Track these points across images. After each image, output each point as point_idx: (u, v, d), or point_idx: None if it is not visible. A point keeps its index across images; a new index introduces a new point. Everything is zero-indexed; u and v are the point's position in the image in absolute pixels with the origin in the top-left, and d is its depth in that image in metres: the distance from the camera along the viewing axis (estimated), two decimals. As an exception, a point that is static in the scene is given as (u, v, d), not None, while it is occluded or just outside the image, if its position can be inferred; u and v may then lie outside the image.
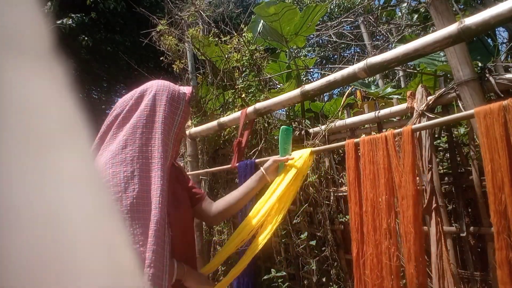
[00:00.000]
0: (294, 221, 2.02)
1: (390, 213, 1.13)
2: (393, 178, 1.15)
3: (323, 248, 1.92)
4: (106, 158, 0.87)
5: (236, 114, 1.95)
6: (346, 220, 1.88)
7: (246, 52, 2.68)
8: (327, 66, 6.39)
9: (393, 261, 1.08)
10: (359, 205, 1.23)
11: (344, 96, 3.02)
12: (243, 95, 2.52)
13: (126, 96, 1.03)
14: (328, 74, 1.50)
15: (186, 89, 1.07)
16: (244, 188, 1.25)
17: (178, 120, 0.99)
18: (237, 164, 1.79)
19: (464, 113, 1.11)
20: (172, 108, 0.98)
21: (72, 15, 7.21)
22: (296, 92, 1.60)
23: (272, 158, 1.31)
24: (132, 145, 0.88)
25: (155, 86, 1.02)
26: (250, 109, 1.83)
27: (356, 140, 1.30)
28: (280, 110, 2.42)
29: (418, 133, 1.40)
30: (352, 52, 7.23)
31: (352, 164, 1.28)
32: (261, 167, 1.30)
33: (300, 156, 1.38)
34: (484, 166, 0.95)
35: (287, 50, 3.22)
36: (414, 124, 1.45)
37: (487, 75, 1.30)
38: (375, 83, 4.22)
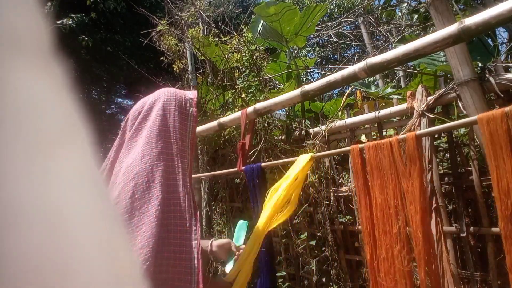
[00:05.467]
0: (294, 221, 2.02)
1: (399, 218, 1.14)
2: (400, 183, 1.15)
3: (323, 248, 1.92)
4: (124, 170, 0.87)
5: (236, 114, 1.95)
6: (346, 220, 1.88)
7: (246, 52, 2.68)
8: (327, 66, 6.39)
9: (405, 265, 1.09)
10: (369, 210, 1.23)
11: (344, 96, 3.02)
12: (243, 95, 2.52)
13: (135, 108, 1.03)
14: (328, 74, 1.50)
15: (192, 94, 1.07)
16: None
17: (190, 125, 1.01)
18: (243, 168, 1.78)
19: (467, 119, 1.11)
20: (182, 115, 1.00)
21: (72, 15, 7.21)
22: (296, 92, 1.60)
23: (228, 241, 1.20)
24: (150, 154, 0.88)
25: (162, 96, 1.02)
26: (250, 109, 1.83)
27: (360, 145, 1.30)
28: (280, 110, 2.42)
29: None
30: (352, 52, 7.23)
31: (359, 169, 1.29)
32: (213, 240, 1.21)
33: (297, 163, 1.39)
34: (490, 172, 0.96)
35: (287, 50, 3.22)
36: (414, 124, 1.45)
37: (487, 75, 1.30)
38: (375, 83, 4.22)
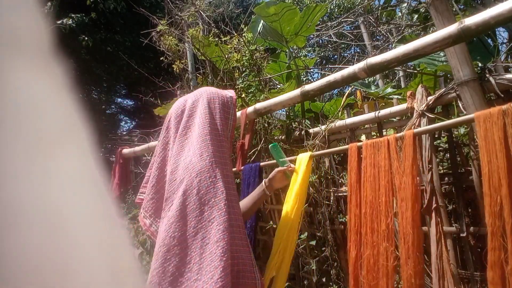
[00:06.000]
0: (294, 221, 2.02)
1: (389, 215, 1.13)
2: (393, 180, 1.15)
3: (323, 248, 1.92)
4: (184, 167, 0.91)
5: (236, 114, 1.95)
6: (346, 220, 1.88)
7: (246, 52, 2.68)
8: (327, 66, 6.39)
9: (390, 262, 1.09)
10: (358, 207, 1.23)
11: (344, 96, 3.02)
12: (243, 95, 2.52)
13: (176, 106, 1.07)
14: (328, 74, 1.50)
15: (231, 93, 1.11)
16: (248, 199, 1.24)
17: (230, 124, 1.04)
18: (242, 167, 1.78)
19: (464, 117, 1.12)
20: (224, 113, 1.03)
21: (72, 15, 7.21)
22: (296, 92, 1.59)
23: (276, 170, 1.29)
24: (207, 151, 0.92)
25: (204, 94, 1.05)
26: (250, 109, 1.83)
27: (359, 144, 1.30)
28: (280, 110, 2.42)
29: (418, 133, 1.40)
30: (352, 52, 7.24)
31: (354, 167, 1.29)
32: (264, 179, 1.28)
33: (300, 163, 1.39)
34: (482, 168, 0.96)
35: (287, 50, 3.22)
36: (414, 124, 1.45)
37: (487, 75, 1.30)
38: (375, 83, 4.22)
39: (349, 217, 1.26)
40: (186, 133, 0.98)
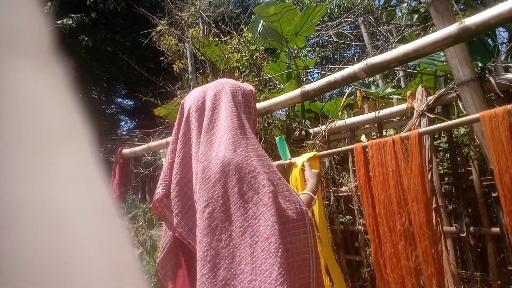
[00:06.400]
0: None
1: (402, 215, 1.14)
2: (402, 181, 1.15)
3: (323, 248, 1.91)
4: (219, 164, 0.84)
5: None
6: (346, 220, 1.88)
7: (246, 52, 2.68)
8: (327, 66, 6.40)
9: (411, 261, 1.10)
10: (372, 207, 1.24)
11: (344, 96, 3.02)
12: (243, 95, 2.51)
13: (195, 98, 1.01)
14: (328, 74, 1.50)
15: (250, 86, 1.07)
16: None
17: (252, 118, 1.00)
18: None
19: (469, 117, 1.11)
20: (246, 107, 0.99)
21: (72, 15, 7.22)
22: (296, 92, 1.59)
23: (276, 163, 1.27)
24: (240, 146, 0.87)
25: (226, 86, 1.01)
26: (250, 109, 1.82)
27: (364, 143, 1.31)
28: (280, 110, 2.42)
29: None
30: (352, 52, 7.24)
31: (362, 167, 1.29)
32: None
33: (303, 160, 1.40)
34: (493, 168, 0.96)
35: (287, 50, 3.22)
36: (414, 124, 1.45)
37: (487, 75, 1.30)
38: (375, 83, 4.22)
39: (365, 217, 1.27)
40: (213, 127, 0.93)
